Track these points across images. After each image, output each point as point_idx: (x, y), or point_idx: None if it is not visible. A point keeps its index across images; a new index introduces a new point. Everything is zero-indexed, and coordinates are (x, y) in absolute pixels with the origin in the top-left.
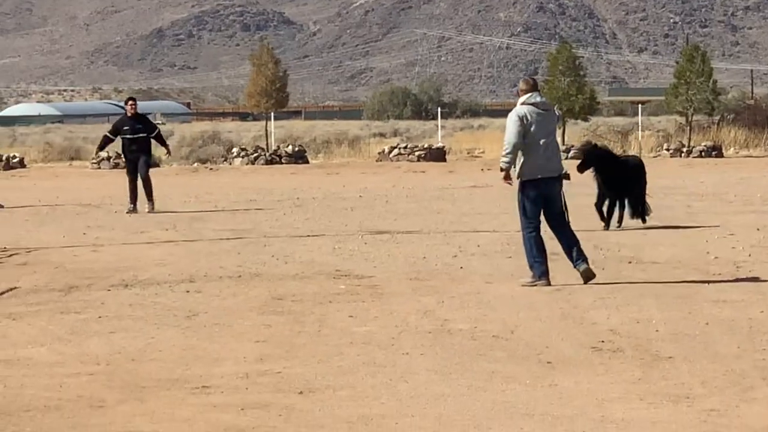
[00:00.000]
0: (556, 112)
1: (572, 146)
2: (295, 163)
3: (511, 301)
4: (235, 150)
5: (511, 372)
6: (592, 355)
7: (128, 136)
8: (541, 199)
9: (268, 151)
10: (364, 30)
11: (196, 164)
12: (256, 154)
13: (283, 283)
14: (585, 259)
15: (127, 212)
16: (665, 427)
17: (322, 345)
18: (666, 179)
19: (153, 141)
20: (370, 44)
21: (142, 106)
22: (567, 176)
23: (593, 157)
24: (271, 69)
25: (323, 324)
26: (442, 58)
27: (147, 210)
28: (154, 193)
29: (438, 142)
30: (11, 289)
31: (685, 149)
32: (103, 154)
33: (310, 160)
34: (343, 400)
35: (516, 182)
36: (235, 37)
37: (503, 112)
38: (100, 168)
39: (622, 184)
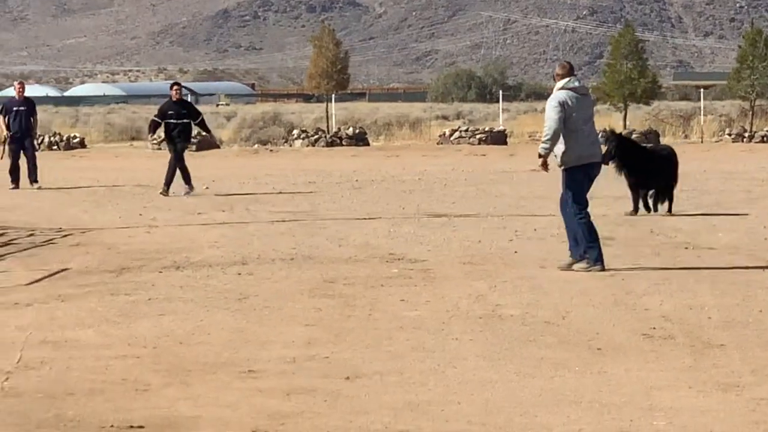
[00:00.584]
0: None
1: (633, 130)
2: (356, 145)
3: (564, 286)
4: (295, 132)
5: (561, 358)
6: (643, 342)
7: (173, 121)
8: (587, 182)
9: (328, 133)
10: (430, 12)
11: (256, 146)
12: (316, 136)
13: (335, 266)
14: (582, 257)
15: (161, 194)
16: (714, 415)
17: (372, 329)
18: (726, 164)
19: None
20: (435, 26)
21: (207, 86)
22: (606, 161)
23: (618, 146)
24: (331, 50)
25: (374, 308)
26: (508, 41)
27: (183, 194)
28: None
29: (500, 125)
30: (62, 270)
31: (747, 134)
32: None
33: (370, 142)
34: (389, 386)
35: (554, 170)
36: (301, 18)
37: None
38: (160, 149)
39: (649, 174)
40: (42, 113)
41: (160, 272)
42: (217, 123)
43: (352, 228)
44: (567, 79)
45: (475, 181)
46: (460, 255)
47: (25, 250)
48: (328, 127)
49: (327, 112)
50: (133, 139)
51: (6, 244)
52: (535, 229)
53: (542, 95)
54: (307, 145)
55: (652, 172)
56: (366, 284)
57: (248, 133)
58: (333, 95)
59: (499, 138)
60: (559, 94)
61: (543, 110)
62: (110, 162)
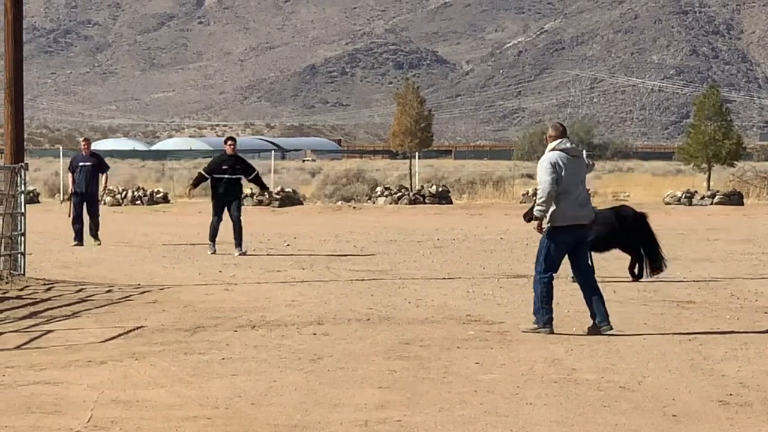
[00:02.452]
0: (587, 161)
1: (717, 191)
2: (439, 203)
3: (641, 350)
4: (378, 189)
5: (635, 425)
6: (719, 409)
7: (225, 176)
8: (569, 246)
9: (411, 191)
10: (517, 70)
11: (339, 202)
12: (399, 194)
13: (411, 327)
14: (606, 318)
15: (211, 253)
16: None
17: (446, 392)
18: None
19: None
20: (522, 84)
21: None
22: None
23: None
24: (415, 108)
25: (448, 371)
26: (594, 100)
27: (237, 254)
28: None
29: None
30: (138, 328)
31: None
32: (247, 190)
33: (453, 200)
34: None
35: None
36: (388, 75)
37: (654, 155)
38: (243, 204)
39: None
40: (128, 167)
41: (235, 331)
42: (302, 179)
43: (430, 288)
44: (559, 141)
45: None
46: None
47: (101, 306)
48: (411, 184)
49: (410, 169)
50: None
51: (83, 300)
52: (614, 291)
53: (628, 155)
54: (390, 203)
55: (604, 235)
56: (442, 346)
57: (332, 189)
58: (417, 153)
59: None
60: (550, 155)
61: (629, 169)
62: (193, 218)
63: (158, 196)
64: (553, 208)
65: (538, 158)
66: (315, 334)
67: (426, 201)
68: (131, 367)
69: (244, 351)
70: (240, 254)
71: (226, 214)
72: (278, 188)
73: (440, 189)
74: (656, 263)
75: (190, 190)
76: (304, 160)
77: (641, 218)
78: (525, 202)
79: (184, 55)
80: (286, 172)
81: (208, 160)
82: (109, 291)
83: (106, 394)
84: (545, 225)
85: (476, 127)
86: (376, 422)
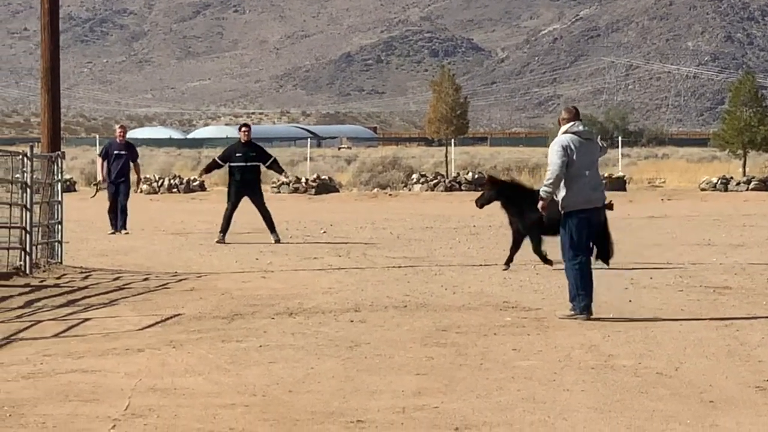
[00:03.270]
0: (600, 143)
1: (752, 177)
2: (475, 190)
3: (678, 336)
4: (414, 176)
5: (673, 411)
6: (756, 395)
7: (240, 164)
8: (586, 227)
9: (447, 178)
10: (552, 57)
11: (375, 190)
12: (435, 181)
13: (448, 313)
14: (576, 306)
15: (217, 242)
16: None
17: (483, 379)
18: None
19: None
20: (557, 71)
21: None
22: (610, 206)
23: (498, 192)
24: (451, 95)
25: (485, 357)
26: (629, 86)
27: (274, 240)
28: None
29: (619, 171)
30: (175, 316)
31: None
32: (283, 178)
33: None
34: None
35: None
36: (423, 62)
37: (689, 141)
38: (279, 192)
39: (538, 219)
40: (164, 155)
41: (273, 318)
42: (338, 166)
43: (467, 274)
44: (571, 123)
45: None
46: None
47: (139, 294)
48: (447, 171)
49: (446, 156)
50: None
51: (120, 288)
52: (651, 278)
53: (663, 141)
54: (426, 190)
55: (551, 218)
56: (479, 332)
57: (368, 176)
58: (453, 140)
59: (618, 184)
60: (562, 138)
61: (664, 156)
62: None
63: (194, 184)
64: (564, 192)
65: None
66: (352, 321)
67: (462, 188)
68: (169, 354)
69: (281, 338)
70: (276, 241)
71: (246, 203)
72: (314, 176)
73: (476, 176)
74: (601, 253)
75: (201, 174)
76: (339, 148)
77: None
78: None
79: (219, 44)
80: (322, 160)
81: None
82: (146, 279)
83: (144, 382)
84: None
85: (511, 114)
86: (413, 409)
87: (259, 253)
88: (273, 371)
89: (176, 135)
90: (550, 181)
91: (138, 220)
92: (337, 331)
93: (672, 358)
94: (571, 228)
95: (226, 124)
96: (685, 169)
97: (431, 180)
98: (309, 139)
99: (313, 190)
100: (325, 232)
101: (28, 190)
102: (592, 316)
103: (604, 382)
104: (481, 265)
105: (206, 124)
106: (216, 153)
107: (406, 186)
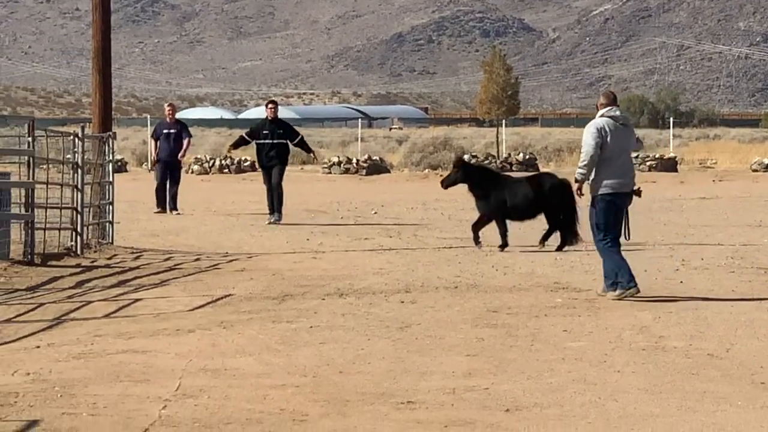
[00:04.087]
0: (637, 136)
1: None
2: (526, 170)
3: (729, 317)
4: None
5: (724, 392)
6: None
7: (267, 141)
8: (613, 212)
9: (498, 159)
10: (603, 38)
11: (426, 170)
12: (486, 162)
13: (499, 294)
14: (622, 285)
15: (268, 223)
16: None
17: (533, 360)
18: None
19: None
20: (608, 52)
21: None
22: (639, 192)
23: (466, 175)
24: (502, 76)
25: (536, 338)
26: (681, 67)
27: (270, 221)
28: (285, 204)
29: (670, 152)
30: (226, 296)
31: None
32: (334, 158)
33: (540, 167)
34: (549, 419)
35: (587, 195)
36: (475, 43)
37: (741, 122)
38: (330, 173)
39: (506, 203)
40: (215, 136)
41: (323, 299)
42: (389, 147)
43: (518, 255)
44: (608, 108)
45: (644, 208)
46: None
47: (190, 274)
48: (498, 152)
49: (497, 137)
50: (303, 163)
51: (171, 268)
52: (702, 259)
53: (715, 122)
54: None
55: (515, 202)
56: (529, 314)
57: (419, 157)
58: (503, 120)
59: (669, 165)
60: (598, 120)
61: (715, 137)
62: None
63: (246, 164)
64: (594, 175)
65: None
66: (403, 302)
67: (513, 168)
68: (219, 335)
69: (332, 319)
70: (273, 221)
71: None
72: (365, 156)
73: (527, 156)
74: (567, 236)
75: (229, 150)
76: (391, 128)
77: (560, 187)
78: None
79: (271, 24)
80: (373, 140)
81: (296, 127)
82: (197, 259)
83: (195, 363)
84: (587, 193)
85: (563, 94)
86: (464, 390)
87: (310, 234)
88: (323, 352)
89: (227, 115)
90: (585, 162)
91: (189, 200)
92: (387, 312)
93: (723, 339)
94: (598, 211)
95: None
96: (736, 149)
97: (483, 161)
98: (360, 120)
99: (364, 170)
100: (376, 212)
101: (79, 170)
102: (639, 289)
103: (655, 363)
104: (532, 246)
105: (257, 105)
106: None
107: None
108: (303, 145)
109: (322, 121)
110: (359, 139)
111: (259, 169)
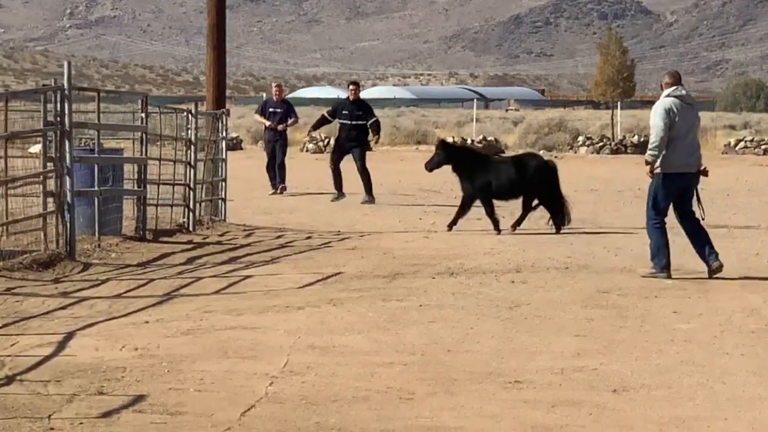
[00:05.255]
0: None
1: None
2: (641, 153)
3: None
4: (580, 138)
5: None
6: None
7: (347, 122)
8: (675, 194)
9: (613, 141)
10: (721, 21)
11: (541, 152)
12: (601, 144)
13: (610, 275)
14: (716, 255)
15: (333, 200)
16: None
17: (642, 341)
18: None
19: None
20: (726, 35)
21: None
22: (705, 172)
23: (448, 155)
24: (618, 58)
25: (646, 320)
26: None
27: (363, 201)
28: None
29: None
30: (336, 274)
31: None
32: (449, 139)
33: None
34: (656, 400)
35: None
36: (592, 25)
37: None
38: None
39: (490, 184)
40: None
41: (433, 278)
42: (504, 128)
43: (630, 237)
44: (674, 88)
45: (758, 192)
46: (736, 267)
47: (301, 252)
48: (613, 134)
49: (612, 119)
50: (418, 143)
51: (283, 246)
52: None
53: None
54: (592, 152)
55: (499, 183)
56: (640, 295)
57: (533, 138)
58: (619, 103)
59: None
60: (665, 101)
61: None
62: (394, 165)
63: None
64: (663, 154)
65: (741, 110)
66: (513, 281)
67: (628, 151)
68: (329, 313)
69: (441, 298)
70: (365, 201)
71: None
72: (480, 137)
73: (642, 139)
74: (557, 217)
75: (310, 131)
76: (507, 110)
77: (545, 168)
78: (726, 153)
79: (389, 4)
80: (489, 121)
81: (412, 108)
82: (308, 237)
83: (303, 340)
84: (656, 170)
85: None
86: (572, 370)
87: (423, 213)
88: (432, 331)
89: (344, 95)
90: (656, 144)
91: (302, 179)
92: (497, 292)
93: None
94: (659, 189)
95: (394, 85)
96: None
97: (597, 143)
98: (475, 101)
99: None
100: None
101: (192, 147)
102: (671, 276)
103: (765, 346)
104: (644, 227)
105: (374, 85)
106: (383, 113)
107: (571, 148)
108: (374, 127)
109: (438, 101)
110: (474, 119)
111: (335, 146)
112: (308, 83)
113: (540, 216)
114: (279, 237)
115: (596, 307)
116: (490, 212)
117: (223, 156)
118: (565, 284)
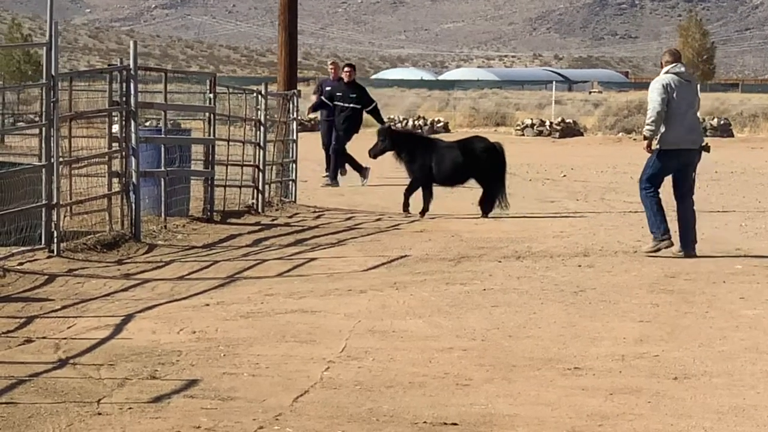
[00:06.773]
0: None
1: None
2: (720, 136)
3: None
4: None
5: None
6: None
7: (339, 104)
8: (672, 169)
9: None
10: None
11: (620, 134)
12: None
13: (678, 260)
14: (694, 246)
15: (323, 186)
16: None
17: (707, 327)
18: None
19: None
20: None
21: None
22: (707, 148)
23: (392, 140)
24: (698, 40)
25: (711, 305)
26: None
27: (322, 185)
28: (343, 169)
29: None
30: (402, 257)
31: None
32: (528, 120)
33: (735, 133)
34: (717, 388)
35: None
36: (677, 7)
37: None
38: (523, 135)
39: (434, 168)
40: (414, 96)
41: (500, 262)
42: (585, 110)
43: (703, 220)
44: (673, 65)
45: None
46: None
47: (368, 234)
48: None
49: None
50: (497, 124)
51: (351, 228)
52: None
53: None
54: None
55: (442, 167)
56: (707, 280)
57: (613, 121)
58: (699, 85)
59: None
60: (663, 77)
61: None
62: None
63: (438, 125)
64: (662, 130)
65: None
66: (580, 266)
67: (707, 134)
68: (391, 296)
69: (506, 282)
70: (327, 185)
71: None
72: (559, 119)
73: (722, 122)
74: (491, 202)
75: (309, 112)
76: (590, 92)
77: (493, 151)
78: None
79: None
80: (570, 103)
81: (495, 90)
82: (378, 219)
83: (363, 324)
84: (654, 146)
85: (765, 60)
86: (633, 357)
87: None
88: (494, 315)
89: (427, 76)
90: (652, 119)
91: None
92: (563, 276)
93: None
94: (657, 163)
95: (479, 67)
96: None
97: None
98: (555, 83)
99: (557, 133)
100: (565, 175)
101: (262, 128)
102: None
103: None
104: (718, 211)
105: (458, 66)
106: (466, 95)
107: None
108: (375, 114)
109: (522, 83)
110: (553, 101)
111: (323, 131)
112: (392, 64)
113: (616, 198)
114: (348, 219)
115: (662, 292)
116: (410, 191)
117: (294, 137)
118: (632, 268)
